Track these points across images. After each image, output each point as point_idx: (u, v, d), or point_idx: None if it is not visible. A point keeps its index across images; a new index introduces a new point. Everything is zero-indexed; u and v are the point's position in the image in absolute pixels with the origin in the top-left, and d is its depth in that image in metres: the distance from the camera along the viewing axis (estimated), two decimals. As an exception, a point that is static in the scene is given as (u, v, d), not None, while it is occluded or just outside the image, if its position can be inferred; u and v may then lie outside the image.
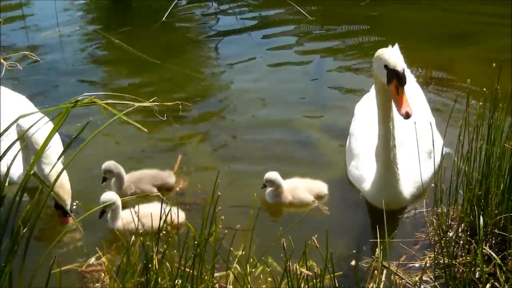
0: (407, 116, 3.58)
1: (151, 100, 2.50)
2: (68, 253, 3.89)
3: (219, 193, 2.93)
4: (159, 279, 3.00)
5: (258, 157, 5.03)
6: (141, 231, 3.58)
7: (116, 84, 6.68)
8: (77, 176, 4.56)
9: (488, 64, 3.68)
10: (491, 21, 7.55)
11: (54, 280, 2.81)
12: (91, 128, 2.55)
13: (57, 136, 4.71)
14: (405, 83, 3.63)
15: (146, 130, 2.43)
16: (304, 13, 8.03)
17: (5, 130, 2.49)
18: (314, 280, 2.80)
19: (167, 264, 3.07)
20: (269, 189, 4.38)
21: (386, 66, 3.67)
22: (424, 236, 3.89)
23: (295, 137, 5.37)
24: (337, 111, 5.75)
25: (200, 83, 6.56)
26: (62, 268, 3.35)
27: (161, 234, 3.04)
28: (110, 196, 4.07)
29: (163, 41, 7.65)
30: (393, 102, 3.72)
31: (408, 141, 4.13)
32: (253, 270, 3.29)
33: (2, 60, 4.37)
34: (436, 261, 3.42)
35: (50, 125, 4.08)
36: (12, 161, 2.58)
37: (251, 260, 3.20)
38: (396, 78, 3.63)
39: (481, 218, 3.26)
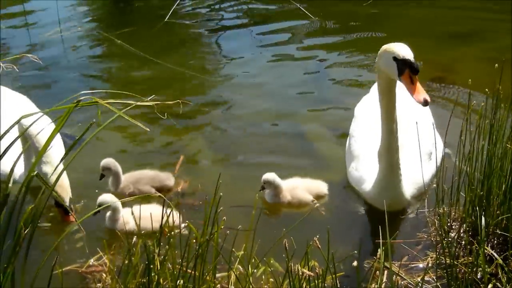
0: (425, 103, 3.52)
1: (148, 99, 2.50)
2: (68, 253, 3.89)
3: (221, 193, 2.93)
4: (161, 280, 3.00)
5: (259, 157, 5.03)
6: (143, 232, 3.58)
7: (117, 84, 6.68)
8: (78, 175, 4.57)
9: (490, 64, 3.67)
10: (493, 21, 7.56)
11: (55, 281, 2.81)
12: (92, 128, 2.56)
13: (57, 135, 4.71)
14: (418, 71, 3.58)
15: (148, 129, 2.43)
16: (307, 12, 8.03)
17: (6, 132, 2.49)
18: (316, 281, 2.80)
19: (169, 264, 3.06)
20: (268, 190, 4.39)
21: (395, 58, 3.61)
22: (425, 237, 3.88)
23: (297, 137, 5.38)
24: (339, 109, 5.78)
25: (201, 82, 6.56)
26: (63, 269, 3.37)
27: (161, 234, 3.03)
28: (106, 198, 4.06)
29: (164, 40, 7.67)
30: (408, 92, 3.62)
31: (408, 143, 4.12)
32: (255, 270, 3.29)
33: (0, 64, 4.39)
34: (438, 262, 3.42)
35: (51, 125, 4.12)
36: (16, 160, 2.58)
37: (253, 260, 3.19)
38: (408, 67, 3.57)
39: (483, 218, 3.26)
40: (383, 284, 3.33)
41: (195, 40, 7.88)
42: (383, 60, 3.72)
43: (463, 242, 3.60)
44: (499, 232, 3.52)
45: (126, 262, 3.02)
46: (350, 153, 4.55)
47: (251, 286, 3.01)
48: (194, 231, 2.98)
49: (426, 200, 4.11)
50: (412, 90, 3.56)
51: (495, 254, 3.25)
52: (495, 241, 3.58)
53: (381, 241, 2.87)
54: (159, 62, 6.81)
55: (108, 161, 4.48)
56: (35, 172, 2.43)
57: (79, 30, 8.03)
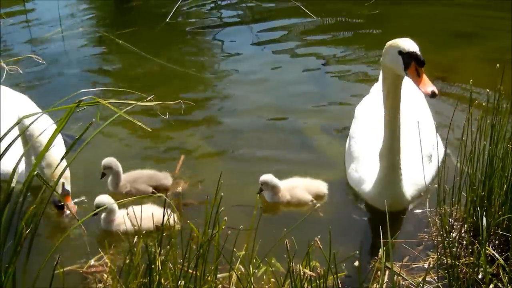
0: (433, 94, 3.49)
1: (148, 98, 2.50)
2: (69, 254, 3.88)
3: (222, 193, 2.93)
4: (162, 280, 3.00)
5: (259, 156, 5.04)
6: (142, 232, 3.59)
7: (118, 83, 6.68)
8: (79, 175, 4.58)
9: (492, 64, 3.67)
10: (495, 21, 7.56)
11: (56, 281, 2.81)
12: (93, 127, 2.56)
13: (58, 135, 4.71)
14: (424, 63, 3.57)
15: (149, 129, 2.43)
16: (307, 11, 8.03)
17: (7, 133, 2.49)
18: (318, 281, 2.80)
19: (170, 265, 3.06)
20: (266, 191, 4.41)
21: (400, 52, 3.61)
22: (427, 237, 3.88)
23: (297, 136, 5.38)
24: (340, 106, 5.82)
25: (201, 80, 6.57)
26: (64, 269, 3.37)
27: (162, 234, 3.04)
28: (103, 199, 4.06)
29: (165, 39, 7.67)
30: (415, 85, 3.60)
31: (409, 144, 4.11)
32: (256, 270, 3.29)
33: (3, 64, 4.39)
34: (439, 262, 3.42)
35: (52, 124, 4.13)
36: (19, 161, 2.59)
37: (254, 260, 3.19)
38: (414, 60, 3.56)
39: (484, 218, 3.25)
40: (385, 284, 3.32)
41: (195, 39, 7.89)
42: (388, 56, 3.71)
43: (465, 242, 3.60)
44: (501, 232, 3.52)
45: (127, 262, 3.02)
46: (350, 154, 4.54)
47: (252, 286, 3.01)
48: (195, 231, 2.98)
49: (428, 200, 4.10)
50: (419, 82, 3.55)
51: (497, 255, 3.25)
52: (497, 242, 3.58)
53: (382, 241, 2.87)
54: (159, 61, 6.81)
55: (110, 160, 4.49)
56: (35, 172, 2.43)
57: (80, 30, 8.03)
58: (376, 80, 5.40)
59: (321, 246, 2.74)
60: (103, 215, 4.11)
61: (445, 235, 3.53)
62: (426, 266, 3.58)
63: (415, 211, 4.17)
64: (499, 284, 3.22)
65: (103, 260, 3.72)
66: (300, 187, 4.41)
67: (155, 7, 8.92)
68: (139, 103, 2.36)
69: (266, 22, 8.28)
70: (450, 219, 3.81)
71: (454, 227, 3.80)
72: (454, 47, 7.01)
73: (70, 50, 7.47)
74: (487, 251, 3.24)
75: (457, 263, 3.29)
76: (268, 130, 5.51)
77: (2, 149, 2.59)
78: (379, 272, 3.27)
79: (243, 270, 3.19)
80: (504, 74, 3.49)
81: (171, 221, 3.59)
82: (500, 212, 3.52)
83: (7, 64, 4.88)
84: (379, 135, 4.04)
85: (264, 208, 4.34)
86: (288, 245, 2.75)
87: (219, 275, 3.28)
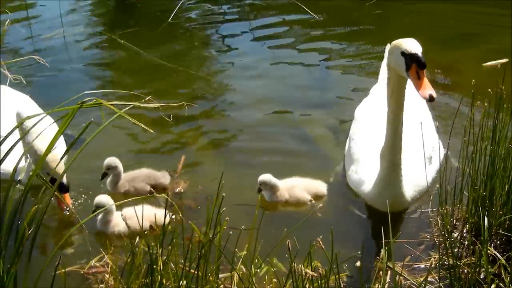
0: (430, 98, 3.48)
1: (146, 99, 2.50)
2: (69, 254, 3.88)
3: (223, 194, 2.93)
4: (164, 280, 3.00)
5: (260, 155, 5.04)
6: (145, 232, 3.58)
7: (119, 83, 6.68)
8: (80, 175, 4.58)
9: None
10: (496, 21, 7.54)
11: (57, 281, 2.81)
12: (94, 127, 2.56)
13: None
14: (424, 66, 3.56)
15: (152, 131, 2.43)
16: (310, 13, 8.03)
17: (9, 134, 2.49)
18: (319, 281, 2.80)
19: (172, 265, 3.06)
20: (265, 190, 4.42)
21: (403, 53, 3.60)
22: (428, 237, 3.88)
23: (298, 137, 5.37)
24: (341, 108, 5.79)
25: (203, 82, 6.56)
26: (64, 270, 3.37)
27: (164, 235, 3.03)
28: (102, 199, 4.06)
29: (167, 40, 7.66)
30: (414, 87, 3.59)
31: (409, 145, 4.10)
32: (258, 270, 3.29)
33: (6, 73, 4.40)
34: (440, 262, 3.42)
35: (53, 125, 4.13)
36: (19, 161, 2.59)
37: (256, 260, 3.19)
38: (415, 62, 3.55)
39: (486, 218, 3.25)
40: (386, 284, 3.32)
41: (196, 37, 7.88)
42: (392, 57, 3.71)
43: (466, 243, 3.60)
44: (502, 233, 3.53)
45: (129, 262, 3.02)
46: (350, 156, 4.53)
47: (254, 287, 3.01)
48: (197, 232, 2.98)
49: (430, 201, 4.09)
50: (418, 85, 3.54)
51: (498, 255, 3.25)
52: (498, 242, 3.58)
53: (383, 241, 2.87)
54: (161, 62, 6.81)
55: (112, 160, 4.49)
56: (36, 171, 2.43)
57: (82, 30, 8.03)
58: (376, 75, 5.40)
59: (323, 246, 2.74)
60: (100, 216, 4.09)
61: (446, 235, 3.53)
62: (427, 266, 3.58)
63: (416, 211, 4.17)
64: (500, 284, 3.22)
65: (104, 260, 3.72)
66: (299, 187, 4.42)
67: (156, 6, 8.92)
68: (142, 104, 2.36)
69: (265, 19, 8.30)
70: (451, 219, 3.81)
71: (456, 227, 3.80)
72: (456, 47, 7.01)
73: (71, 50, 7.46)
74: (488, 251, 3.24)
75: (459, 263, 3.29)
76: (269, 127, 5.51)
77: (3, 149, 2.59)
78: (381, 272, 3.27)
79: (245, 270, 3.19)
80: (505, 74, 3.49)
81: (167, 221, 3.59)
82: (501, 212, 3.52)
83: (9, 68, 4.89)
84: (379, 136, 4.04)
85: (264, 208, 4.34)
86: (290, 245, 2.75)
87: (220, 275, 3.28)
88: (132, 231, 3.90)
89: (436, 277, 3.41)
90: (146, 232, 3.64)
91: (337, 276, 2.82)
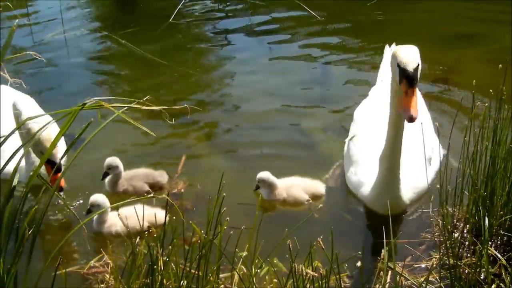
0: (410, 119, 3.38)
1: (145, 98, 2.50)
2: (68, 255, 3.88)
3: (224, 194, 2.93)
4: (164, 280, 3.00)
5: (259, 155, 5.04)
6: (146, 232, 3.58)
7: (120, 83, 6.69)
8: (80, 174, 4.58)
9: (494, 65, 3.67)
10: (497, 22, 7.54)
11: (57, 281, 2.81)
12: (94, 127, 2.56)
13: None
14: (413, 84, 3.41)
15: (154, 134, 2.43)
16: (313, 13, 8.03)
17: (9, 135, 2.49)
18: (320, 281, 2.80)
19: (172, 265, 3.06)
20: (262, 188, 4.42)
21: (398, 65, 3.48)
22: (429, 237, 3.88)
23: (298, 137, 5.37)
24: (341, 105, 5.81)
25: (203, 80, 6.57)
26: (65, 270, 3.37)
27: (164, 235, 3.03)
28: (98, 198, 4.06)
29: (167, 40, 7.66)
30: (398, 102, 3.51)
31: (408, 147, 4.08)
32: (258, 270, 3.29)
33: (6, 76, 4.41)
34: (441, 262, 3.42)
35: (54, 125, 4.13)
36: (19, 161, 2.59)
37: (256, 261, 3.19)
38: (405, 78, 3.42)
39: (486, 219, 3.25)
40: (387, 284, 3.33)
41: (197, 39, 7.89)
42: (391, 63, 3.62)
43: (467, 243, 3.60)
44: (503, 233, 3.53)
45: (129, 262, 3.02)
46: (349, 158, 4.51)
47: (254, 287, 3.01)
48: (197, 232, 2.98)
49: (431, 201, 4.09)
50: (404, 102, 3.41)
51: (499, 255, 3.25)
52: (499, 242, 3.58)
53: (384, 241, 2.87)
54: (161, 61, 6.81)
55: (113, 160, 4.49)
56: (37, 172, 2.43)
57: (82, 30, 8.03)
58: (376, 73, 5.39)
59: (323, 247, 2.74)
60: (95, 216, 4.09)
61: (447, 235, 3.53)
62: (428, 266, 3.58)
63: (417, 211, 4.17)
64: (501, 284, 3.22)
65: (104, 260, 3.72)
66: (297, 186, 4.42)
67: (156, 5, 8.92)
68: (143, 107, 2.36)
69: (267, 20, 8.30)
70: (452, 220, 3.81)
71: (456, 227, 3.80)
72: (456, 46, 7.01)
73: (72, 50, 7.47)
74: (489, 252, 3.24)
75: (459, 263, 3.29)
76: (269, 127, 5.51)
77: (3, 149, 2.59)
78: (381, 272, 3.27)
79: (245, 270, 3.19)
80: (506, 75, 3.48)
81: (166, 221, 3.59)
82: (502, 213, 3.52)
83: (9, 71, 4.88)
84: (378, 138, 4.03)
85: (264, 208, 4.34)
86: (290, 245, 2.75)
87: (221, 275, 3.28)
88: (129, 231, 3.90)
89: (437, 277, 3.41)
90: (143, 232, 3.64)
91: (337, 276, 2.82)
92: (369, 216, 4.19)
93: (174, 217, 2.99)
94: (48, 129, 4.07)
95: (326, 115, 5.69)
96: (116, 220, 4.03)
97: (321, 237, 2.80)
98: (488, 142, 3.60)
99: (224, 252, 2.99)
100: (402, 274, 3.44)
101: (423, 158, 4.05)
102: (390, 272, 3.42)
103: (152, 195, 4.41)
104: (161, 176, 4.60)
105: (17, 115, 4.21)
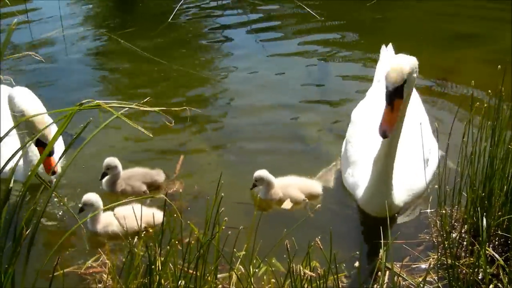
0: (382, 135, 3.51)
1: (145, 100, 2.50)
2: (66, 254, 3.88)
3: (222, 194, 2.93)
4: (162, 280, 2.99)
5: (257, 154, 5.03)
6: (145, 232, 3.58)
7: (119, 83, 6.69)
8: (78, 174, 4.57)
9: (493, 66, 3.67)
10: (496, 22, 7.55)
11: (55, 281, 2.81)
12: (92, 128, 2.56)
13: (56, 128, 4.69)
14: (389, 103, 3.49)
15: (151, 135, 2.42)
16: (310, 11, 8.03)
17: (7, 133, 2.49)
18: (318, 281, 2.80)
19: (170, 265, 3.06)
20: (260, 186, 4.41)
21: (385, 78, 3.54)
22: (427, 237, 3.88)
23: (295, 135, 5.37)
24: (339, 105, 5.82)
25: (201, 81, 6.56)
26: (63, 271, 3.36)
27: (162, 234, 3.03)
28: (91, 197, 4.04)
29: (166, 39, 7.66)
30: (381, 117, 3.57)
31: (404, 148, 4.07)
32: (256, 270, 3.29)
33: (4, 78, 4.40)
34: (439, 262, 3.42)
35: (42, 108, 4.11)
36: (18, 161, 2.58)
37: (254, 260, 3.19)
38: (386, 94, 3.49)
39: (484, 219, 3.25)
40: (385, 284, 3.32)
41: (196, 38, 7.88)
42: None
43: (465, 243, 3.60)
44: (501, 233, 3.53)
45: (127, 262, 3.02)
46: (346, 159, 4.50)
47: (252, 287, 3.01)
48: (195, 232, 2.98)
49: (429, 202, 4.09)
50: (383, 116, 3.51)
51: (496, 255, 3.25)
52: (497, 242, 3.58)
53: (382, 241, 2.87)
54: (160, 61, 6.81)
55: (112, 160, 4.48)
56: (35, 172, 2.43)
57: (81, 30, 8.03)
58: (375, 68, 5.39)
59: (321, 247, 2.74)
60: (89, 215, 4.06)
61: (445, 235, 3.54)
62: (426, 266, 3.58)
63: (415, 212, 4.16)
64: (499, 284, 3.23)
65: (101, 260, 3.71)
66: (294, 186, 4.41)
67: (155, 6, 8.92)
68: (142, 108, 2.35)
69: (265, 19, 8.32)
70: (450, 220, 3.81)
71: (455, 227, 3.81)
72: (456, 47, 7.01)
73: (71, 50, 7.46)
74: (487, 252, 3.24)
75: (457, 263, 3.29)
76: (267, 127, 5.51)
77: (2, 149, 2.59)
78: (379, 272, 3.27)
79: (243, 270, 3.19)
80: (505, 76, 3.48)
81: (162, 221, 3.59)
82: (500, 213, 3.52)
83: (6, 68, 4.86)
84: (375, 139, 4.02)
85: (262, 208, 4.34)
86: (288, 245, 2.75)
87: (219, 275, 3.28)
88: (126, 230, 3.89)
89: (435, 278, 3.41)
90: (139, 233, 3.63)
91: (335, 276, 2.82)
92: (366, 217, 4.19)
93: (173, 216, 2.99)
94: (40, 110, 4.10)
95: (323, 113, 5.70)
96: (112, 219, 4.02)
97: (319, 237, 2.80)
98: (486, 143, 3.60)
99: (222, 252, 2.98)
100: (400, 274, 3.44)
101: (420, 159, 4.05)
102: (388, 272, 3.42)
103: (150, 195, 4.40)
104: (158, 175, 4.60)
105: (12, 105, 4.19)
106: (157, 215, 3.86)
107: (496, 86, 3.58)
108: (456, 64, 6.56)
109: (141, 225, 3.52)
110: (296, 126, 5.49)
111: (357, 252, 3.40)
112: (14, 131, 4.13)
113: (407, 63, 3.55)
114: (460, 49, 6.93)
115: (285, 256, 2.77)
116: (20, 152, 2.65)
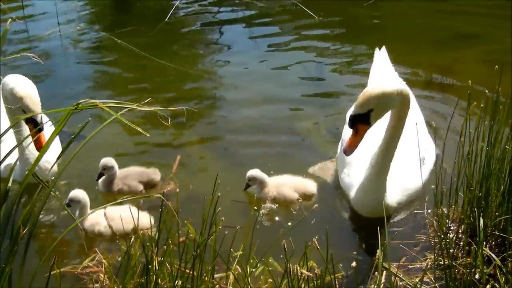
0: (345, 152, 3.74)
1: (145, 101, 2.50)
2: (63, 254, 3.87)
3: (219, 194, 2.93)
4: (159, 280, 2.99)
5: (255, 155, 5.02)
6: (140, 233, 3.56)
7: (117, 82, 6.68)
8: (77, 174, 4.56)
9: (490, 66, 3.67)
10: (494, 22, 7.56)
11: (52, 281, 2.80)
12: (93, 126, 2.55)
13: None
14: (350, 126, 3.68)
15: (148, 135, 2.42)
16: (310, 13, 8.04)
17: (5, 132, 2.48)
18: (315, 281, 2.80)
19: (167, 265, 3.06)
20: (254, 186, 4.41)
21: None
22: (424, 238, 3.88)
23: (292, 134, 5.36)
24: (336, 105, 5.83)
25: (199, 80, 6.56)
26: (60, 270, 3.36)
27: (159, 234, 3.03)
28: (78, 194, 4.04)
29: (163, 38, 7.66)
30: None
31: (400, 148, 4.07)
32: (253, 270, 3.28)
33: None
34: (436, 263, 3.42)
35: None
36: (17, 161, 2.58)
37: (251, 260, 3.19)
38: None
39: (481, 219, 3.26)
40: (382, 284, 3.33)
41: (192, 35, 7.89)
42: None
43: (462, 243, 3.61)
44: (497, 233, 3.53)
45: (124, 262, 3.01)
46: (343, 159, 4.50)
47: (249, 287, 3.01)
48: (192, 232, 2.97)
49: (426, 202, 4.09)
50: (350, 138, 3.72)
51: (493, 255, 3.25)
52: (493, 242, 3.58)
53: (379, 241, 2.87)
54: (157, 60, 6.81)
55: (108, 160, 4.47)
56: (32, 171, 2.42)
57: (78, 29, 8.02)
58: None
59: (318, 247, 2.74)
60: (76, 212, 4.06)
61: (442, 236, 3.54)
62: (423, 266, 3.58)
63: (412, 212, 4.16)
64: (496, 284, 3.23)
65: (98, 260, 3.71)
66: (288, 185, 4.39)
67: (153, 4, 8.92)
68: (139, 107, 2.35)
69: (262, 16, 8.34)
70: (447, 220, 3.81)
71: (451, 228, 3.81)
72: (454, 47, 7.02)
73: (68, 49, 7.45)
74: (484, 252, 3.25)
75: (454, 263, 3.29)
76: (263, 125, 5.51)
77: (2, 149, 2.59)
78: (376, 272, 3.27)
79: (240, 270, 3.19)
80: (502, 76, 3.49)
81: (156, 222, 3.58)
82: (497, 213, 3.52)
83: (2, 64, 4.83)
84: (371, 140, 4.02)
85: (259, 207, 4.33)
86: (285, 245, 2.75)
87: (216, 275, 3.27)
88: (114, 231, 3.88)
89: (432, 278, 3.41)
90: (132, 233, 3.63)
91: (332, 276, 2.82)
92: (363, 217, 4.19)
93: (169, 216, 2.98)
94: (26, 86, 4.12)
95: (320, 112, 5.70)
96: (101, 219, 3.99)
97: (316, 237, 2.80)
98: (483, 143, 3.61)
99: (219, 252, 2.98)
100: (397, 274, 3.45)
101: (416, 159, 4.04)
102: (385, 272, 3.42)
103: (146, 195, 4.40)
104: (155, 174, 4.60)
105: (4, 87, 4.17)
106: (147, 219, 3.87)
107: (493, 86, 3.58)
108: (454, 64, 6.57)
109: (137, 226, 3.52)
110: (292, 127, 5.49)
111: (354, 252, 3.40)
112: (11, 130, 4.12)
113: (380, 90, 3.59)
114: (457, 49, 6.93)
115: (282, 256, 2.77)
116: (17, 150, 2.66)
